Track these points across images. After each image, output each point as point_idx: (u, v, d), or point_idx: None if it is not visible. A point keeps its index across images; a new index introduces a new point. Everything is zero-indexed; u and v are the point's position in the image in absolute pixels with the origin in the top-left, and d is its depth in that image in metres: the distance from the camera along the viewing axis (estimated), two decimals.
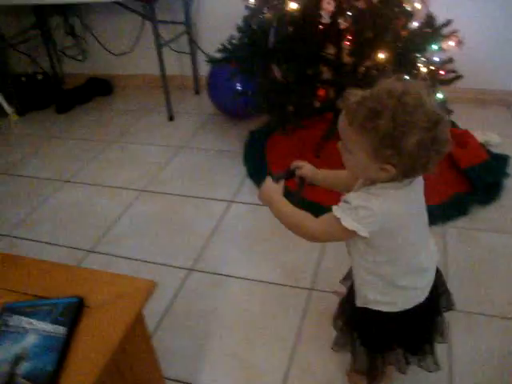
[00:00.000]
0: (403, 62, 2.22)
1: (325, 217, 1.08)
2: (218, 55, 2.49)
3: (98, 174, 2.70)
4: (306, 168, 1.27)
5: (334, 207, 1.05)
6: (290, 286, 1.83)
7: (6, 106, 3.51)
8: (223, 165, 2.66)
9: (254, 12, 2.40)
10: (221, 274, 1.91)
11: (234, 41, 2.38)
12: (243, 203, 2.32)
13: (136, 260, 2.03)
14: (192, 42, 3.36)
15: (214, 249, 2.06)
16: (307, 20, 2.16)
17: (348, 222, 1.01)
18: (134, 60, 3.69)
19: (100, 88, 3.73)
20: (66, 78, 3.97)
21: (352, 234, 1.03)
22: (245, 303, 1.78)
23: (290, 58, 2.19)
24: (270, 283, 1.85)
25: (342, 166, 1.10)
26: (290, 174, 1.26)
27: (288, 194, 1.19)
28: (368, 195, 1.02)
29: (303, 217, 1.13)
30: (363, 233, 1.01)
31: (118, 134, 3.12)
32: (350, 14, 2.13)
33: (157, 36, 2.90)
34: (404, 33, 2.25)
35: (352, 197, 1.03)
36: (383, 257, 1.11)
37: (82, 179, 2.67)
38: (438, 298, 1.27)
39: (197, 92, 3.56)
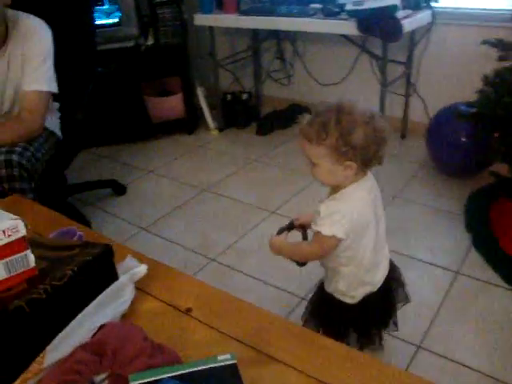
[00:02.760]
0: None
1: (313, 237, 1.28)
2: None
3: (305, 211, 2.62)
4: (302, 217, 1.44)
5: (313, 225, 1.26)
6: None
7: (210, 121, 3.63)
8: (442, 226, 2.42)
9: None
10: (450, 360, 1.70)
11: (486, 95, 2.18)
12: (471, 277, 2.08)
13: None
14: (409, 84, 3.18)
15: (440, 326, 1.85)
16: None
17: (326, 231, 1.21)
18: (339, 92, 3.59)
19: (300, 115, 3.68)
20: (265, 99, 4.01)
21: (334, 239, 1.22)
22: None
23: None
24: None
25: None
26: (290, 226, 1.44)
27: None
28: (334, 201, 1.24)
29: (304, 247, 1.36)
30: (340, 234, 1.21)
31: None
32: None
33: (384, 76, 2.78)
34: None
35: (321, 209, 1.23)
36: (353, 252, 1.28)
37: (288, 213, 2.60)
38: (392, 291, 1.44)
39: (403, 136, 3.35)
